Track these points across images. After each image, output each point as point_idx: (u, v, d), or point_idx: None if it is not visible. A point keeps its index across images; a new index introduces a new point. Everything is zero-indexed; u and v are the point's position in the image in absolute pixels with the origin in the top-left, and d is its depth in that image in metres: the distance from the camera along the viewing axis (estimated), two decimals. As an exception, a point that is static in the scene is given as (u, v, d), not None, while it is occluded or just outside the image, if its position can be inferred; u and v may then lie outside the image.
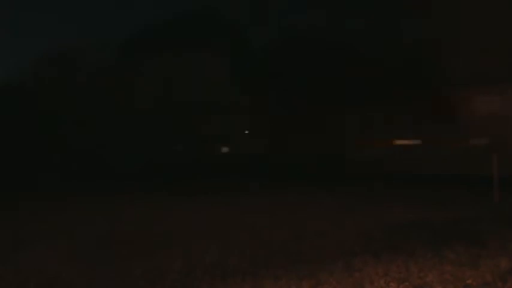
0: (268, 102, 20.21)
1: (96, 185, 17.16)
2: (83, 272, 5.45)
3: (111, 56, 26.83)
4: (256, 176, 17.17)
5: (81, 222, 8.92)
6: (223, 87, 21.49)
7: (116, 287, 4.96)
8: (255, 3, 21.16)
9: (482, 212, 8.38)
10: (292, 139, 19.69)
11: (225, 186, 14.99)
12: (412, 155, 15.71)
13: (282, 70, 19.39)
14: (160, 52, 23.65)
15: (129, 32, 26.59)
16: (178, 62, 23.00)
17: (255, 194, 12.59)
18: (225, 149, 22.68)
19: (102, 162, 24.81)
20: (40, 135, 29.35)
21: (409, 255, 5.54)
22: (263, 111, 20.62)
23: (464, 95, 14.64)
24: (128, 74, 25.34)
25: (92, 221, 8.95)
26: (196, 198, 12.09)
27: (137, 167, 22.49)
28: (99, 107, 26.65)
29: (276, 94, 19.87)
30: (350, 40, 17.97)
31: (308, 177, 16.56)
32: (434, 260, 5.31)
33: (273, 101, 19.98)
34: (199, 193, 13.17)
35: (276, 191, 13.41)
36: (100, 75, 26.76)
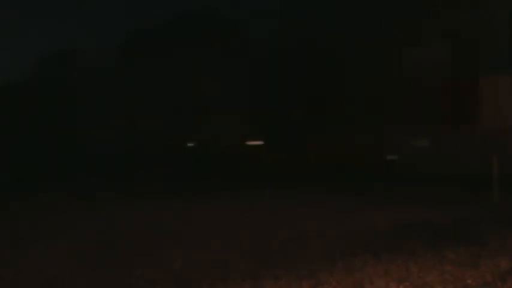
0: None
1: (96, 183, 17.14)
2: (82, 272, 5.45)
3: (111, 56, 26.85)
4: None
5: (81, 222, 8.92)
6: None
7: (116, 287, 4.95)
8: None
9: (482, 212, 8.38)
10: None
11: (225, 185, 14.97)
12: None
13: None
14: (160, 52, 23.65)
15: (129, 32, 26.53)
16: (177, 62, 23.00)
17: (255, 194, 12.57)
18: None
19: (102, 161, 24.82)
20: (40, 135, 29.36)
21: (409, 255, 5.54)
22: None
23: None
24: (128, 74, 25.35)
25: (92, 221, 8.95)
26: (196, 198, 12.08)
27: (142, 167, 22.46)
28: (98, 107, 26.67)
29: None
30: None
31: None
32: (434, 260, 5.31)
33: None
34: (199, 193, 13.16)
35: (277, 190, 13.38)
36: (100, 75, 26.77)
